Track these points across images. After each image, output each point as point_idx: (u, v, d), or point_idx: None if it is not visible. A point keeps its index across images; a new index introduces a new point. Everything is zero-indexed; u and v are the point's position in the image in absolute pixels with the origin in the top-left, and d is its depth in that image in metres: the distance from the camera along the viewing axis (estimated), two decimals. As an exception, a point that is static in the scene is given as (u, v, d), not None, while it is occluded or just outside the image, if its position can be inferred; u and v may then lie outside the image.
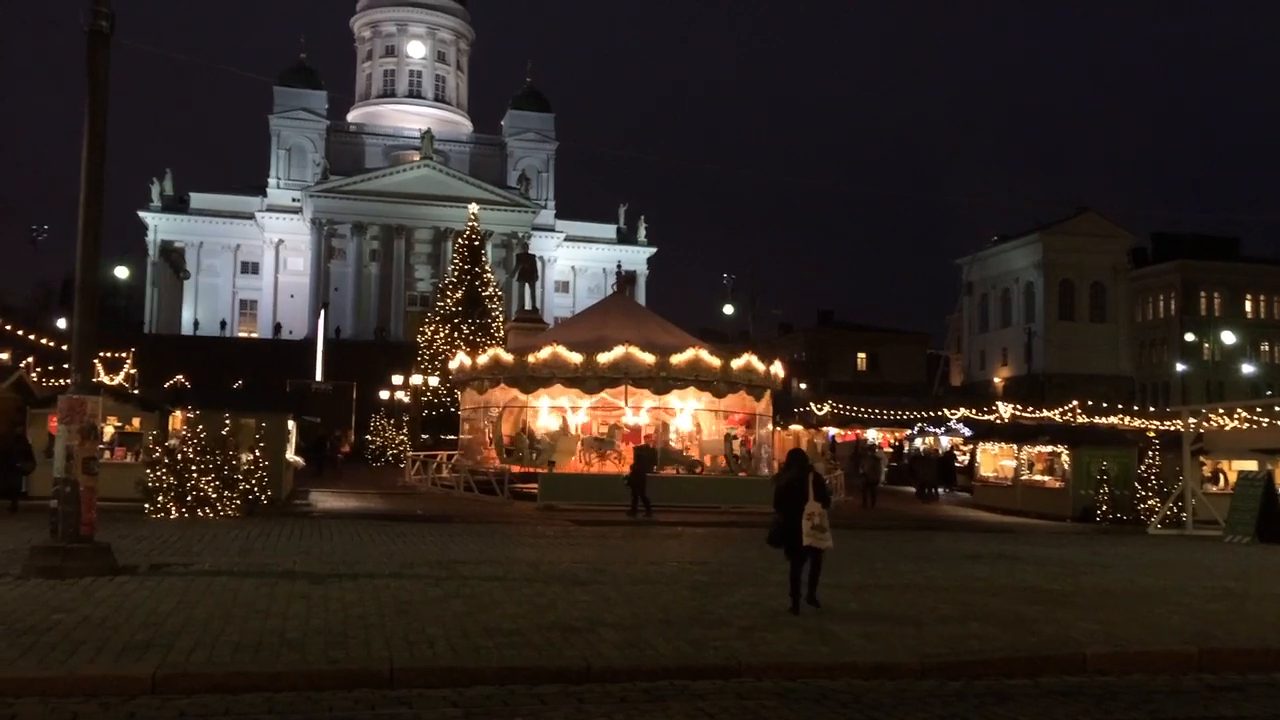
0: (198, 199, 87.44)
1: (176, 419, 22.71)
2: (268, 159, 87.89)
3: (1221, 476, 28.61)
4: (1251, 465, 25.82)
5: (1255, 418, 36.08)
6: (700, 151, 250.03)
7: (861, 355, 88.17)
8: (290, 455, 26.14)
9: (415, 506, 25.12)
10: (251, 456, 21.19)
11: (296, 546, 15.79)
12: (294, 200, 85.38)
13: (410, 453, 37.11)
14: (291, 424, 25.97)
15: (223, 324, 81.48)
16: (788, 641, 9.44)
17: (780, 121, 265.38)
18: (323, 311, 66.83)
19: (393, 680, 7.95)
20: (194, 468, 19.73)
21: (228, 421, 20.72)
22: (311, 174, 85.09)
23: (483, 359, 30.68)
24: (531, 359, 28.58)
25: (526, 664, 8.38)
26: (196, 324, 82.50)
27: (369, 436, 45.58)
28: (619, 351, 28.05)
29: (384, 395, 49.48)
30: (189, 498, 19.63)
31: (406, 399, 47.24)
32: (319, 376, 57.41)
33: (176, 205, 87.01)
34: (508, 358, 29.64)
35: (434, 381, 45.33)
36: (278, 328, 79.05)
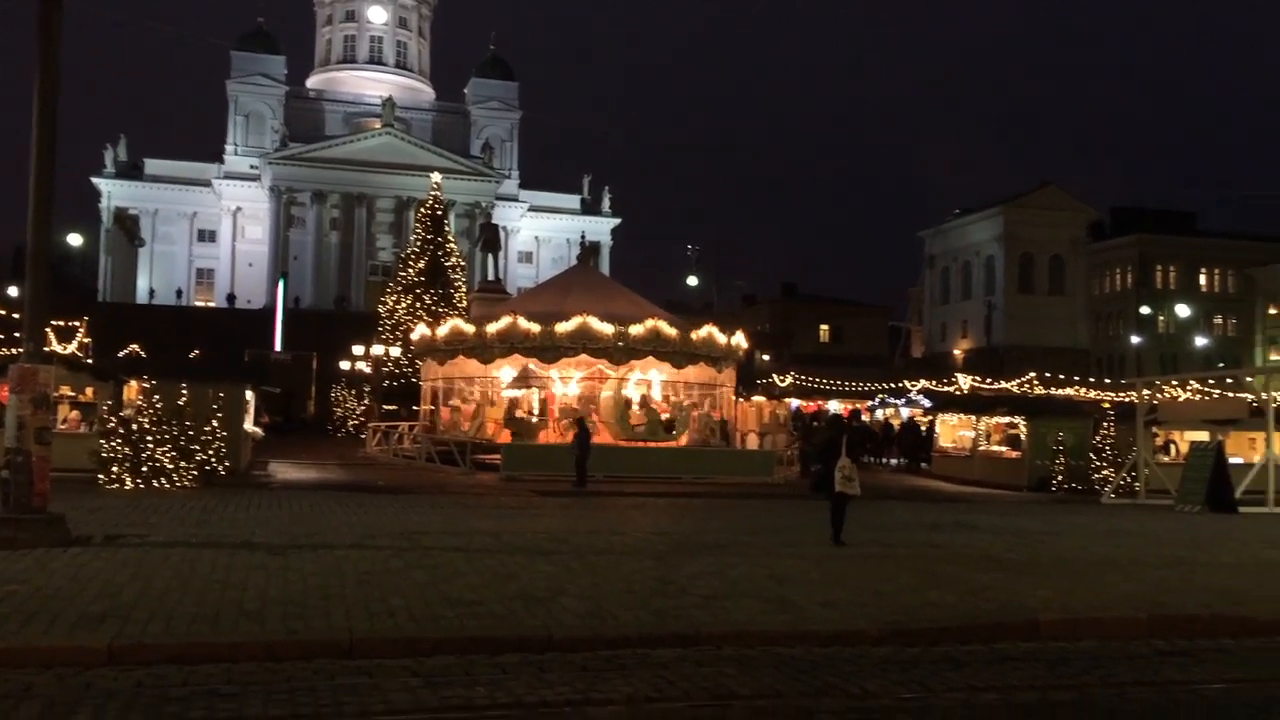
0: (153, 165, 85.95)
1: (132, 389, 22.39)
2: (225, 125, 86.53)
3: (1174, 447, 29.15)
4: (1203, 436, 26.31)
5: (1207, 389, 36.71)
6: (666, 123, 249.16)
7: (824, 327, 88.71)
8: (249, 425, 25.88)
9: (376, 477, 25.00)
10: (212, 426, 20.96)
11: (255, 517, 15.66)
12: (252, 167, 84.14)
13: (372, 423, 36.90)
14: (250, 394, 25.69)
15: (179, 293, 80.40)
16: (748, 611, 9.52)
17: (747, 94, 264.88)
18: (282, 281, 66.19)
19: (352, 650, 7.93)
20: (150, 438, 19.48)
21: (184, 391, 20.47)
22: (270, 141, 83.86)
23: (442, 330, 30.25)
24: (560, 329, 28.06)
25: (488, 634, 8.38)
26: (152, 292, 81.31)
27: (334, 407, 45.27)
28: (642, 326, 28.28)
29: (345, 365, 49.07)
30: (144, 468, 19.39)
31: (368, 369, 46.88)
32: (278, 346, 56.92)
33: (131, 172, 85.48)
34: (468, 329, 29.30)
35: (395, 352, 45.03)
36: (231, 298, 77.96)
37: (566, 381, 29.82)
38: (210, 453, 20.77)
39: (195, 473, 19.98)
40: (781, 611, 9.54)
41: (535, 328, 27.99)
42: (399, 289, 48.80)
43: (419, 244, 49.50)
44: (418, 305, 46.66)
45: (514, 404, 30.02)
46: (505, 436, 28.27)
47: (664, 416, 29.83)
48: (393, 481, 23.95)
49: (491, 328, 28.44)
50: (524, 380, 29.45)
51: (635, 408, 29.67)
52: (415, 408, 35.80)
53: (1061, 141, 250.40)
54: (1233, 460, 24.75)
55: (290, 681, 7.19)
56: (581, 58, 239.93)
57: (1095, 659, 8.71)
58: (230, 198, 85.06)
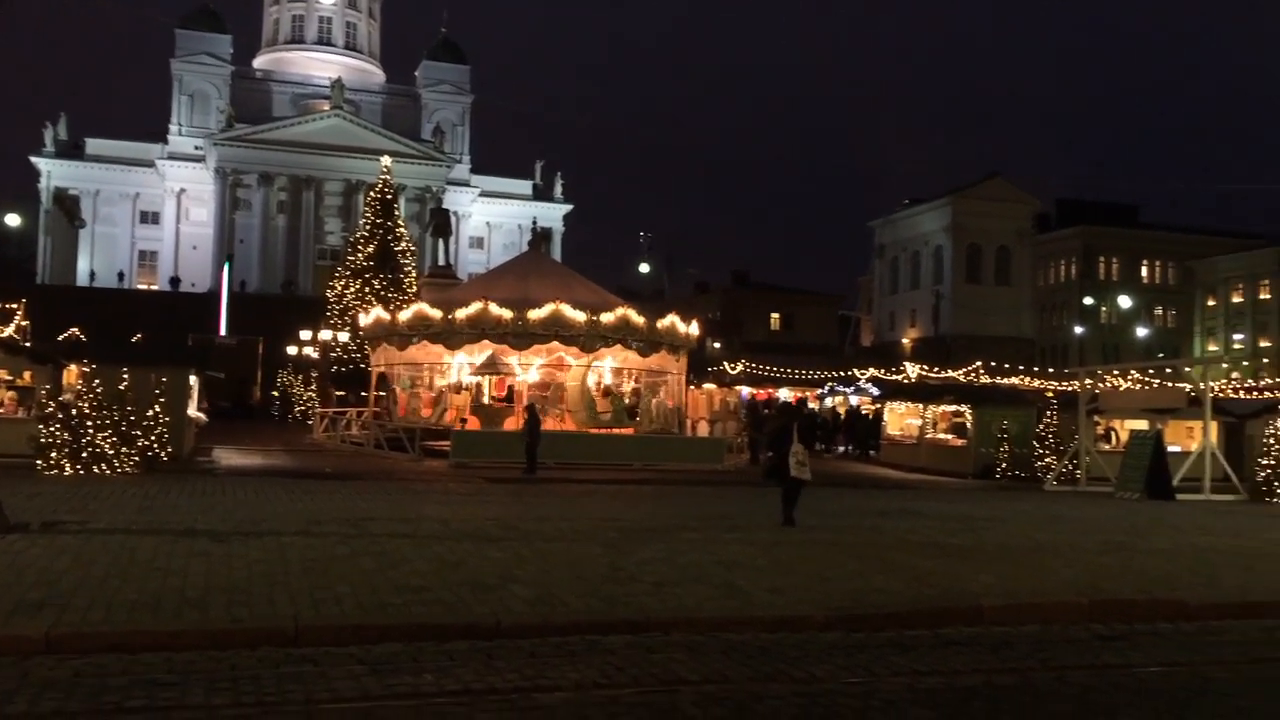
0: (94, 145, 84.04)
1: (72, 373, 21.92)
2: (169, 105, 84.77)
3: (1114, 435, 29.73)
4: (1142, 424, 26.88)
5: (1147, 379, 37.50)
6: (619, 111, 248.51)
7: (775, 315, 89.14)
8: (193, 410, 25.48)
9: (324, 464, 24.73)
10: (154, 411, 20.59)
11: (198, 504, 15.43)
12: (197, 148, 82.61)
13: (319, 409, 36.49)
14: (194, 379, 25.28)
15: (121, 275, 78.78)
16: (697, 597, 9.56)
17: (701, 82, 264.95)
18: (227, 264, 65.10)
19: (298, 638, 7.84)
20: (90, 423, 19.10)
21: (126, 376, 20.09)
22: (215, 121, 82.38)
23: (405, 315, 29.57)
24: (533, 315, 27.77)
25: (435, 621, 8.33)
26: (93, 275, 79.62)
27: (276, 393, 44.70)
28: (613, 314, 28.29)
29: (292, 351, 48.43)
30: (84, 454, 19.02)
31: (315, 354, 46.32)
32: (223, 331, 56.03)
33: (71, 151, 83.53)
34: (435, 314, 28.74)
35: (344, 337, 44.53)
36: (175, 281, 76.50)
37: (526, 369, 29.67)
38: (152, 438, 20.43)
39: (137, 459, 19.66)
40: (730, 598, 9.59)
41: (507, 314, 27.76)
42: (348, 274, 48.19)
43: (368, 228, 48.88)
44: (367, 290, 46.10)
45: (480, 390, 29.84)
46: (473, 423, 28.13)
47: (627, 404, 29.94)
48: (340, 468, 23.71)
49: (461, 313, 28.04)
50: (491, 367, 29.29)
51: (601, 396, 29.73)
52: (364, 393, 35.44)
53: (1009, 133, 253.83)
54: (1171, 448, 25.33)
55: (234, 670, 7.10)
56: (535, 43, 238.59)
57: (1036, 643, 8.87)
58: (174, 179, 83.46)
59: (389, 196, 49.76)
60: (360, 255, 48.10)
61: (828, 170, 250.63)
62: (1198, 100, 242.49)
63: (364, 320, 32.27)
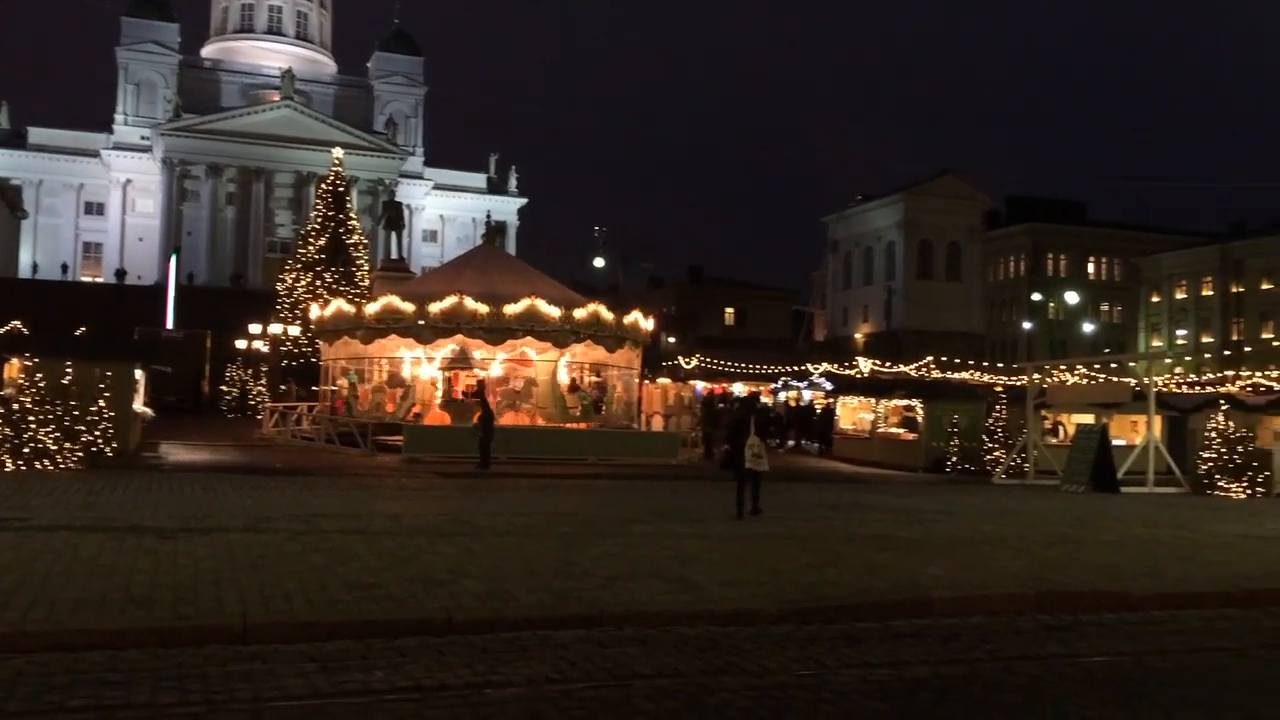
0: (36, 134, 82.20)
1: (13, 367, 21.39)
2: (115, 94, 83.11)
3: (1061, 429, 30.20)
4: (1089, 419, 27.33)
5: (1093, 374, 38.17)
6: (574, 105, 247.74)
7: (730, 310, 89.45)
8: (138, 405, 25.02)
9: (273, 459, 24.41)
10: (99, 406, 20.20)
11: (144, 500, 15.16)
12: (143, 139, 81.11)
13: (269, 403, 36.03)
14: (140, 373, 24.83)
15: (64, 267, 77.23)
16: (650, 591, 9.57)
17: (655, 78, 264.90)
18: (174, 256, 64.02)
19: (246, 636, 7.74)
20: (32, 418, 18.71)
21: (69, 370, 19.71)
22: (163, 111, 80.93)
23: (373, 308, 28.98)
24: (509, 310, 27.63)
25: (386, 617, 8.26)
26: (35, 267, 77.97)
27: (226, 387, 44.08)
28: (585, 310, 28.50)
29: (241, 344, 47.75)
30: (26, 450, 18.63)
31: (265, 348, 45.72)
32: (170, 324, 55.11)
33: (13, 140, 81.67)
34: (406, 308, 28.37)
35: (294, 331, 44.00)
36: (121, 273, 75.10)
37: (489, 364, 29.59)
38: (97, 433, 20.02)
39: (81, 454, 19.30)
40: (683, 591, 9.62)
41: (483, 309, 27.61)
42: (298, 267, 47.67)
43: (319, 221, 48.39)
44: (318, 283, 45.62)
45: (452, 385, 29.67)
46: (444, 418, 27.99)
47: (592, 399, 30.10)
48: (290, 463, 23.43)
49: (435, 306, 27.75)
50: (464, 361, 29.15)
51: (569, 391, 29.81)
52: (315, 387, 35.03)
53: (961, 131, 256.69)
54: (1116, 442, 25.78)
55: (180, 668, 6.99)
56: (489, 36, 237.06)
57: (984, 634, 8.99)
58: (120, 169, 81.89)
59: (341, 189, 49.26)
60: (311, 248, 47.58)
61: (783, 166, 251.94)
62: (1145, 100, 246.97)
63: (324, 312, 31.60)
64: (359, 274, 47.03)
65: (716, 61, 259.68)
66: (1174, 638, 9.17)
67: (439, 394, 29.57)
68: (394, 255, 45.69)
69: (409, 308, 28.16)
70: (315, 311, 32.88)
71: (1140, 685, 7.50)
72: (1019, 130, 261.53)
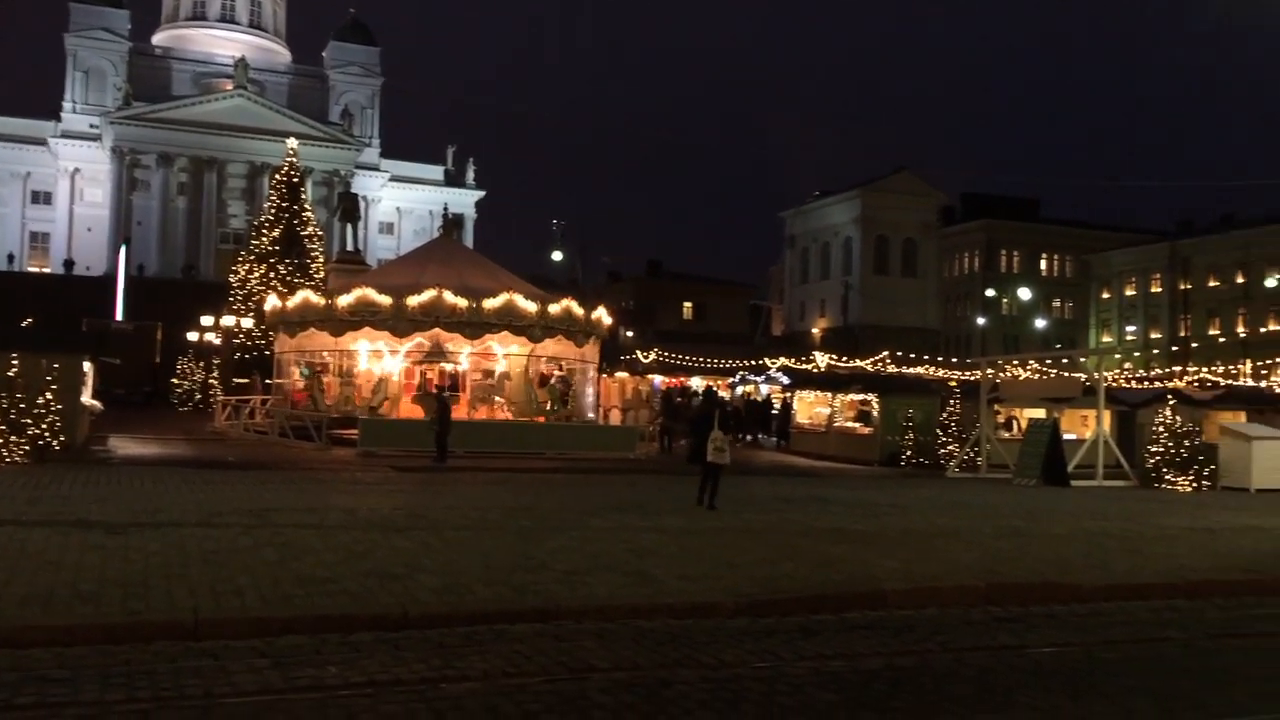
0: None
1: (-43, 359, 20.96)
2: (63, 82, 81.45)
3: (1015, 423, 30.61)
4: (1040, 413, 27.72)
5: (1045, 369, 38.70)
6: (533, 99, 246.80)
7: (688, 305, 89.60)
8: (86, 399, 24.59)
9: (226, 453, 24.11)
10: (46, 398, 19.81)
11: (93, 494, 14.91)
12: (92, 127, 79.58)
13: (221, 396, 35.55)
14: (88, 365, 24.39)
15: (10, 257, 75.51)
16: (607, 585, 9.57)
17: (615, 72, 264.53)
18: (124, 247, 62.97)
19: (197, 632, 7.64)
20: (-24, 411, 18.31)
21: (15, 362, 19.32)
22: (112, 99, 79.44)
23: (346, 299, 28.37)
24: (488, 305, 27.69)
25: (341, 612, 8.19)
26: (-20, 257, 76.19)
27: (177, 379, 43.42)
28: (559, 305, 28.92)
29: (192, 337, 47.06)
30: (-30, 443, 18.23)
31: (217, 341, 45.09)
32: (119, 316, 54.22)
33: (-43, 127, 79.75)
34: (383, 300, 27.95)
35: (247, 323, 43.44)
36: (69, 264, 73.68)
37: (455, 357, 29.57)
38: (44, 427, 19.63)
39: (27, 448, 18.94)
40: (641, 585, 9.63)
41: (462, 303, 27.56)
42: (252, 258, 47.04)
43: (273, 212, 47.77)
44: (272, 275, 45.07)
45: (425, 379, 29.55)
46: (417, 411, 27.84)
47: (560, 393, 30.26)
48: (243, 457, 23.15)
49: (413, 300, 27.59)
50: (440, 355, 29.04)
51: (538, 386, 29.90)
52: (268, 381, 34.59)
53: (918, 128, 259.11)
54: (1067, 436, 26.17)
55: (128, 665, 6.89)
56: (447, 27, 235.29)
57: (937, 626, 9.09)
58: (68, 158, 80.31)
59: (295, 179, 48.68)
60: (265, 239, 46.99)
61: (741, 161, 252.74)
62: (1097, 100, 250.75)
63: (287, 303, 30.98)
64: (314, 266, 46.51)
65: (676, 57, 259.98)
66: (1122, 629, 9.33)
67: (404, 387, 29.45)
68: (349, 247, 45.28)
69: (385, 300, 27.92)
70: (273, 302, 32.38)
71: (1089, 675, 7.63)
72: (974, 129, 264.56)
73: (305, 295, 30.43)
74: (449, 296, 27.41)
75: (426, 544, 11.38)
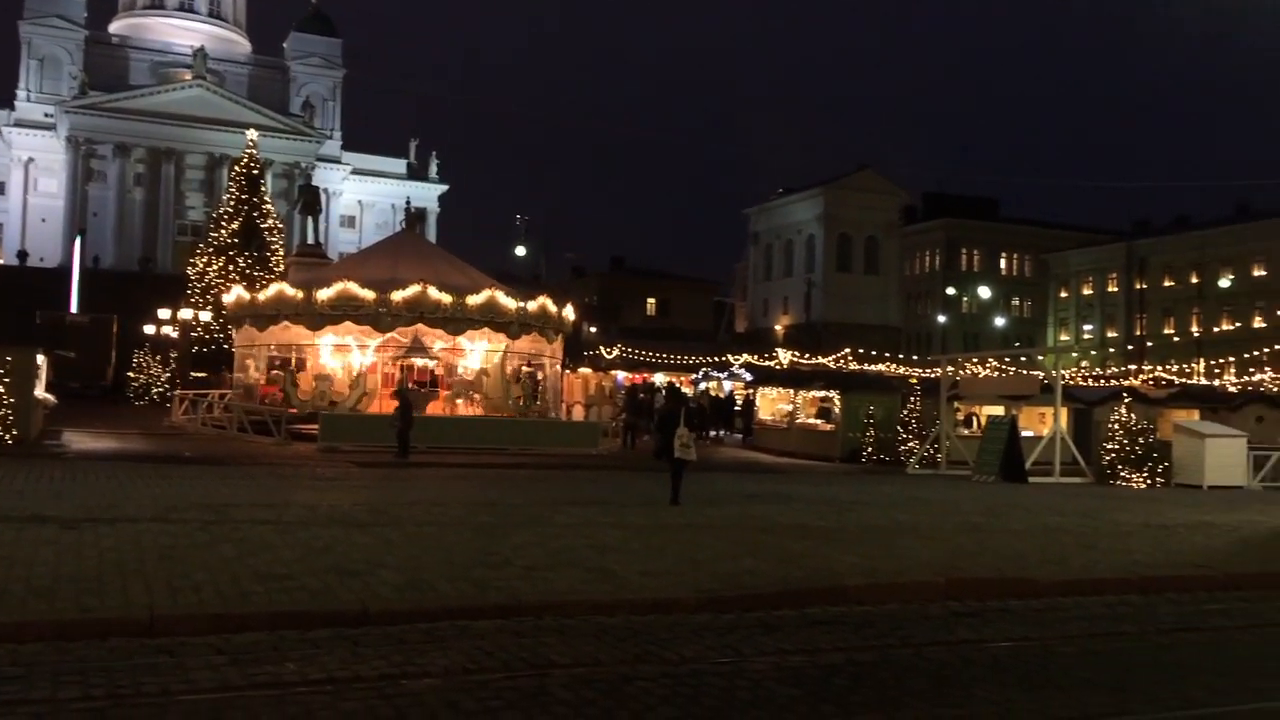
0: (-68, 109, 78.69)
1: (-95, 351, 20.55)
2: (16, 69, 79.92)
3: (974, 421, 30.93)
4: (999, 410, 28.03)
5: (1004, 367, 39.12)
6: (497, 92, 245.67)
7: (652, 301, 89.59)
8: (40, 392, 24.20)
9: (183, 448, 23.82)
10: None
11: (47, 489, 14.68)
12: (47, 116, 78.14)
13: (179, 390, 35.10)
14: (42, 358, 24.00)
15: (-38, 248, 74.12)
16: (569, 581, 9.56)
17: (580, 68, 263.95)
18: (79, 238, 61.94)
19: (153, 628, 7.54)
20: (-74, 405, 17.95)
21: (-34, 354, 18.95)
22: (68, 88, 78.05)
23: (326, 293, 28.23)
24: (471, 301, 28.07)
25: (300, 608, 8.12)
26: (-70, 247, 74.68)
27: (133, 372, 42.84)
28: (536, 302, 29.47)
29: (149, 330, 46.43)
30: (-80, 437, 17.87)
31: (175, 334, 44.51)
32: (74, 308, 53.38)
33: (-94, 114, 78.07)
34: (366, 295, 27.89)
35: (206, 316, 42.93)
36: (23, 255, 72.35)
37: (435, 354, 29.70)
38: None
39: (-22, 442, 18.56)
40: (602, 581, 9.62)
41: (446, 298, 27.72)
42: (210, 251, 46.54)
43: (233, 204, 47.28)
44: (231, 268, 44.61)
45: (406, 374, 29.52)
46: (394, 406, 27.78)
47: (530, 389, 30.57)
48: (201, 451, 22.89)
49: (398, 295, 27.66)
50: (420, 350, 29.05)
51: (514, 382, 30.10)
52: (228, 374, 34.21)
53: (881, 126, 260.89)
54: (1025, 433, 26.49)
55: (83, 662, 6.79)
56: (410, 20, 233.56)
57: (896, 621, 9.17)
58: (21, 147, 78.83)
59: (255, 171, 48.19)
60: (224, 232, 46.49)
61: (706, 158, 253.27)
62: (1057, 101, 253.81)
63: (260, 295, 30.42)
64: (273, 259, 46.08)
65: (641, 54, 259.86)
66: (1077, 623, 9.45)
67: (383, 383, 29.47)
68: (310, 240, 44.82)
69: (369, 295, 27.86)
70: (238, 294, 31.80)
71: (1045, 669, 7.72)
72: (937, 128, 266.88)
73: (280, 288, 29.99)
74: (433, 292, 27.60)
75: (387, 540, 11.31)
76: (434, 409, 28.45)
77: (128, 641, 7.29)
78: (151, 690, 6.29)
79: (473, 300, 28.01)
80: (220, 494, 15.07)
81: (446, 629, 8.03)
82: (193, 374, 39.84)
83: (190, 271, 47.09)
